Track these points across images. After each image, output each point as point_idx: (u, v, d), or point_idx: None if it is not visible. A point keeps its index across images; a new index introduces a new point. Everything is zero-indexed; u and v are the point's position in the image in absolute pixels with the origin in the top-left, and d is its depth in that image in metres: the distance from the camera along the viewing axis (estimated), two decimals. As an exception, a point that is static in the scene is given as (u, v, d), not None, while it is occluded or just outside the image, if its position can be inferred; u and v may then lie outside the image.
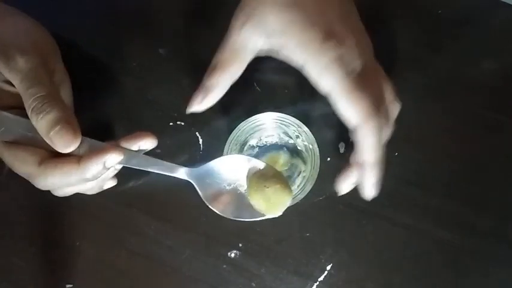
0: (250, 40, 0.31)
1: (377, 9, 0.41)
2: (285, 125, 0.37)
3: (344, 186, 0.33)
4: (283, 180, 0.34)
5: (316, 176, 0.36)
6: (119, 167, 0.34)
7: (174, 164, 0.33)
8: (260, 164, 0.34)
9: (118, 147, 0.32)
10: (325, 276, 0.39)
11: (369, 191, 0.32)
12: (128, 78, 0.42)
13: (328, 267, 0.39)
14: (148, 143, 0.33)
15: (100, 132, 0.41)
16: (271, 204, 0.33)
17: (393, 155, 0.39)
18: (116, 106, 0.41)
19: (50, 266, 0.40)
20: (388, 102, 0.32)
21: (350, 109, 0.29)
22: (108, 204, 0.40)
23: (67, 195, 0.34)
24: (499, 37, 0.41)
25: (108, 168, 0.32)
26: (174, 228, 0.39)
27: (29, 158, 0.31)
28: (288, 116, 0.36)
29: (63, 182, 0.32)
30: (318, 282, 0.39)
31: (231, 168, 0.34)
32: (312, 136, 0.36)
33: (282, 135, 0.38)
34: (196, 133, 0.41)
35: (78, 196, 0.40)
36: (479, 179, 0.39)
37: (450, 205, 0.39)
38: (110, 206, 0.40)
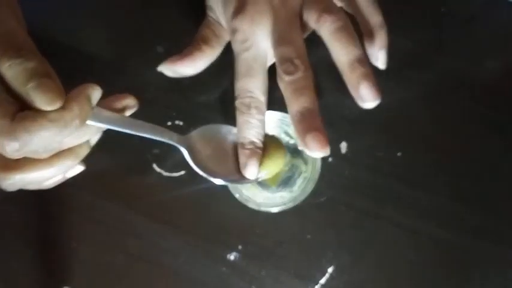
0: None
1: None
2: (285, 125, 0.37)
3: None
4: (276, 139, 0.36)
5: (317, 177, 0.36)
6: (98, 133, 0.31)
7: (161, 127, 0.32)
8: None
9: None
10: (326, 278, 0.38)
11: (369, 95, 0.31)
12: (127, 78, 0.41)
13: (330, 270, 0.38)
14: (130, 102, 0.32)
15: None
16: (271, 161, 0.34)
17: (395, 155, 0.39)
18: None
19: (47, 267, 0.39)
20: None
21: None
22: (106, 205, 0.40)
23: (25, 185, 0.29)
24: (500, 36, 0.41)
25: (94, 117, 0.28)
26: (173, 230, 0.39)
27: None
28: (287, 115, 0.36)
29: (39, 143, 0.25)
30: (319, 285, 0.38)
31: (220, 135, 0.35)
32: None
33: (283, 135, 0.38)
34: (196, 133, 0.40)
35: (76, 197, 0.40)
36: (480, 179, 0.39)
37: (452, 206, 0.39)
38: (108, 208, 0.40)
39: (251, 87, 0.31)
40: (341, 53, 0.29)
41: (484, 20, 0.41)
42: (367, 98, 0.30)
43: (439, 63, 0.40)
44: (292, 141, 0.38)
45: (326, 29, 0.29)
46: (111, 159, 0.40)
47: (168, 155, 0.40)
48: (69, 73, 0.40)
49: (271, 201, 0.36)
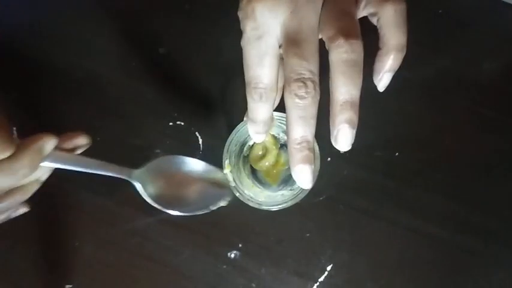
0: None
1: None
2: (284, 124, 0.37)
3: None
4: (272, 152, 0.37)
5: (316, 175, 0.36)
6: (48, 171, 0.32)
7: (113, 164, 0.33)
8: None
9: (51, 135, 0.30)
10: (325, 276, 0.38)
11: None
12: (127, 78, 0.41)
13: (329, 268, 0.39)
14: (82, 141, 0.32)
15: (100, 132, 0.41)
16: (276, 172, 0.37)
17: (393, 155, 0.39)
18: (116, 106, 0.41)
19: (49, 266, 0.39)
20: None
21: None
22: (107, 204, 0.40)
23: None
24: (499, 37, 0.41)
25: (44, 159, 0.29)
26: (174, 228, 0.39)
27: None
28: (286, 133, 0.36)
29: None
30: (318, 283, 0.38)
31: (174, 167, 0.35)
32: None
33: (282, 135, 0.38)
34: (196, 133, 0.41)
35: (78, 197, 0.40)
36: (479, 179, 0.39)
37: (450, 205, 0.39)
38: (110, 206, 0.40)
39: (263, 77, 0.29)
40: (340, 87, 0.28)
41: (481, 21, 0.41)
42: (340, 143, 0.29)
43: (437, 64, 0.40)
44: None
45: (336, 55, 0.27)
46: (113, 159, 0.40)
47: (168, 156, 0.40)
48: (70, 73, 0.40)
49: (273, 199, 0.36)
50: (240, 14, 0.30)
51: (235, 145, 0.37)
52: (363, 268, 0.38)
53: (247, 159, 0.38)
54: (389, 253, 0.38)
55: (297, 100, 0.28)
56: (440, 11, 0.41)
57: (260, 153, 0.37)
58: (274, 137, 0.37)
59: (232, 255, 0.39)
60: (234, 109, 0.40)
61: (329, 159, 0.39)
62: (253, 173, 0.39)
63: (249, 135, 0.37)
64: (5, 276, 0.40)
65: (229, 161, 0.36)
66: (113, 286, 0.39)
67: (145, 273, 0.39)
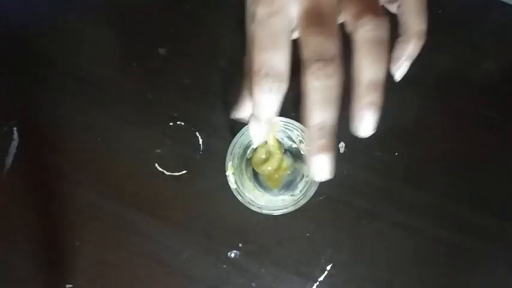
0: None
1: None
2: (288, 129, 0.37)
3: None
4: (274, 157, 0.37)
5: (318, 182, 0.35)
6: None
7: None
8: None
9: None
10: (325, 276, 0.39)
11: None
12: (127, 78, 0.42)
13: (328, 267, 0.39)
14: None
15: (100, 132, 0.41)
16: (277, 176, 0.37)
17: (393, 155, 0.39)
18: (116, 106, 0.41)
19: (49, 265, 0.39)
20: None
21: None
22: (108, 204, 0.40)
23: None
24: (498, 37, 0.41)
25: None
26: (174, 228, 0.39)
27: None
28: (292, 120, 0.36)
29: None
30: (318, 283, 0.39)
31: None
32: None
33: (286, 140, 0.38)
34: (197, 133, 0.41)
35: (79, 196, 0.40)
36: (479, 179, 0.39)
37: (450, 205, 0.39)
38: (110, 206, 0.40)
39: (276, 60, 0.26)
40: (366, 68, 0.25)
41: (481, 20, 0.41)
42: (364, 128, 0.27)
43: (436, 64, 0.40)
44: (294, 146, 0.38)
45: (363, 34, 0.25)
46: (114, 159, 0.40)
47: (170, 155, 0.40)
48: (70, 73, 0.40)
49: (273, 204, 0.36)
50: None
51: (239, 148, 0.37)
52: (362, 268, 0.39)
53: (249, 162, 0.38)
54: (389, 253, 0.39)
55: (319, 82, 0.25)
56: (440, 11, 0.41)
57: (263, 156, 0.37)
58: (279, 142, 0.37)
59: (232, 255, 0.39)
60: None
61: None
62: (255, 176, 0.39)
63: None
64: (5, 276, 0.40)
65: (232, 163, 0.36)
66: (113, 286, 0.39)
67: (146, 273, 0.39)
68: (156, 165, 0.40)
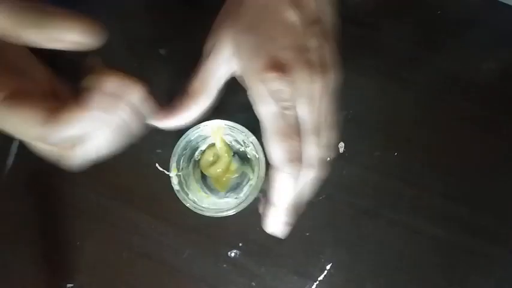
0: (216, 68, 0.29)
1: (376, 9, 0.41)
2: (234, 133, 0.36)
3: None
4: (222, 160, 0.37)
5: (260, 185, 0.35)
6: None
7: None
8: None
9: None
10: (324, 275, 0.39)
11: (271, 227, 0.30)
12: (128, 79, 0.42)
13: (328, 267, 0.39)
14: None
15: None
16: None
17: (393, 155, 0.39)
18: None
19: (50, 265, 0.40)
20: (316, 145, 0.28)
21: (270, 148, 0.27)
22: (109, 203, 0.40)
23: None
24: (498, 37, 0.41)
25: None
26: (175, 228, 0.39)
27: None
28: (236, 124, 0.35)
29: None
30: (317, 282, 0.39)
31: None
32: (259, 145, 0.35)
33: (234, 143, 0.38)
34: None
35: (80, 196, 0.40)
36: (478, 179, 0.39)
37: (450, 205, 0.39)
38: (111, 206, 0.40)
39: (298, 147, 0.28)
40: (275, 193, 0.28)
41: (480, 21, 0.41)
42: (268, 230, 0.30)
43: (436, 65, 0.40)
44: (242, 149, 0.38)
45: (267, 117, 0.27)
46: (115, 160, 0.40)
47: (170, 155, 0.40)
48: (70, 74, 0.40)
49: (217, 206, 0.36)
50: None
51: (184, 149, 0.36)
52: (362, 267, 0.39)
53: (198, 163, 0.38)
54: (389, 253, 0.39)
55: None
56: (439, 12, 0.41)
57: (211, 159, 0.38)
58: (227, 145, 0.37)
59: (233, 255, 0.39)
60: (234, 109, 0.40)
61: (328, 158, 0.39)
62: (203, 178, 0.39)
63: (201, 140, 0.37)
64: (5, 276, 0.40)
65: (176, 164, 0.35)
66: (113, 285, 0.40)
67: (146, 272, 0.39)
68: (157, 165, 0.40)
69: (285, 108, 0.26)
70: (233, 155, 0.38)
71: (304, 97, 0.26)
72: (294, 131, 0.27)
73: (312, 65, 0.26)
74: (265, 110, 0.27)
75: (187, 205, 0.35)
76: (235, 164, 0.38)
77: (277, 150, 0.27)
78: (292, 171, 0.27)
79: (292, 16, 0.27)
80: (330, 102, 0.28)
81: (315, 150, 0.28)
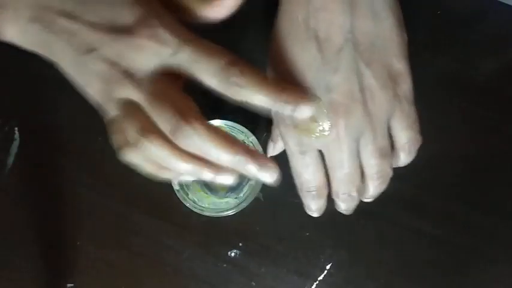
0: None
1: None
2: (233, 133, 0.37)
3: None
4: None
5: (259, 187, 0.35)
6: None
7: None
8: None
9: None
10: (324, 275, 0.39)
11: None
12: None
13: (328, 267, 0.39)
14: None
15: (101, 132, 0.41)
16: None
17: (393, 155, 0.39)
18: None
19: (50, 265, 0.40)
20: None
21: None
22: (109, 204, 0.40)
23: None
24: (498, 37, 0.41)
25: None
26: (175, 228, 0.39)
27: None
28: (236, 124, 0.35)
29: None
30: (317, 282, 0.39)
31: None
32: (259, 145, 0.35)
33: None
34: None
35: (80, 196, 0.40)
36: (479, 179, 0.39)
37: (450, 205, 0.39)
38: (111, 206, 0.40)
39: (313, 181, 0.32)
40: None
41: (481, 21, 0.41)
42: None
43: (436, 64, 0.40)
44: None
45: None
46: (115, 159, 0.40)
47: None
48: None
49: (217, 206, 0.36)
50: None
51: None
52: (362, 267, 0.39)
53: None
54: (389, 252, 0.39)
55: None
56: (439, 12, 0.41)
57: None
58: None
59: (233, 254, 0.39)
60: (234, 109, 0.40)
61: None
62: None
63: None
64: (5, 276, 0.40)
65: None
66: (113, 285, 0.40)
67: (146, 272, 0.39)
68: (157, 165, 0.40)
69: None
70: None
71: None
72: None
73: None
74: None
75: (187, 205, 0.36)
76: None
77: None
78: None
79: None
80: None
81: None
